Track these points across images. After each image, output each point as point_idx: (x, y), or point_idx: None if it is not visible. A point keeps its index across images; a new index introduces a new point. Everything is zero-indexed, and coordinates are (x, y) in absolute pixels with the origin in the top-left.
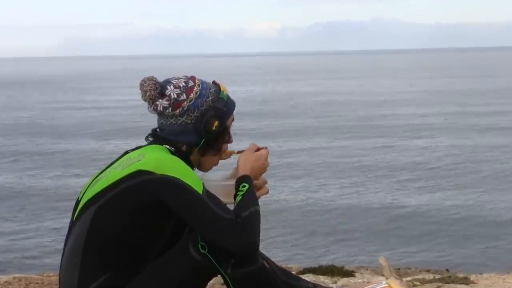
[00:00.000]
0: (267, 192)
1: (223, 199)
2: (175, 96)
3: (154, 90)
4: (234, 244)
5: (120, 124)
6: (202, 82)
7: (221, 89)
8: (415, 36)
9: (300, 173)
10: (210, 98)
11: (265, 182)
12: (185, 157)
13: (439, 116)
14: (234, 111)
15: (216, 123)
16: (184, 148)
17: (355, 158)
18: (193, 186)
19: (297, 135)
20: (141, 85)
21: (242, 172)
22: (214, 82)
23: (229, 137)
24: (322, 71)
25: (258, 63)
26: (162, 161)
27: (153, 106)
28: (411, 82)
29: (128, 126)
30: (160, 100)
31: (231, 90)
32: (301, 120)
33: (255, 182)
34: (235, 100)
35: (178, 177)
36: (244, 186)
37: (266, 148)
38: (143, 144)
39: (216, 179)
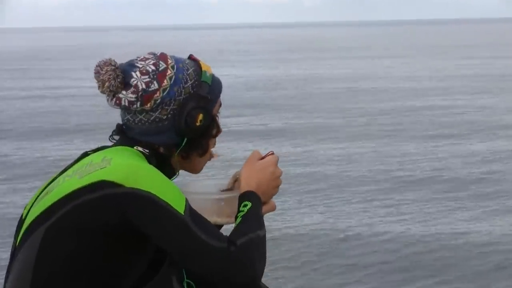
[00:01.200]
0: (273, 208)
1: (215, 218)
2: (144, 85)
3: (115, 79)
4: (227, 280)
5: (79, 118)
6: (176, 61)
7: (203, 68)
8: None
9: (318, 187)
10: (190, 82)
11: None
12: (163, 161)
13: (506, 110)
14: (221, 93)
15: (201, 116)
16: (161, 150)
17: (393, 166)
18: (172, 205)
19: (315, 135)
20: (97, 72)
21: (245, 187)
22: (191, 58)
23: (218, 129)
24: (349, 48)
25: (265, 37)
26: (133, 170)
27: (114, 100)
28: (466, 63)
29: (90, 122)
30: (124, 92)
31: (229, 73)
32: (321, 115)
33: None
34: (222, 81)
35: (153, 192)
36: (245, 206)
37: (273, 153)
38: (107, 144)
39: (207, 191)
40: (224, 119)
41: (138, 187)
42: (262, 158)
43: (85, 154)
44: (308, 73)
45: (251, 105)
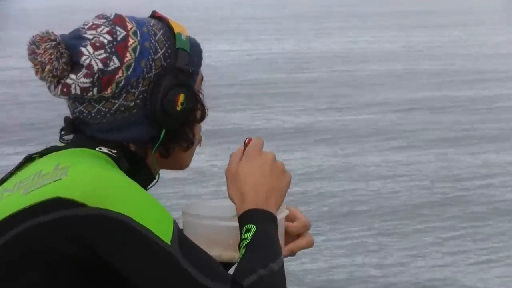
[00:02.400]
0: (310, 244)
1: (222, 252)
2: (100, 64)
3: (58, 60)
4: None
5: (14, 112)
6: (138, 24)
7: (175, 29)
8: None
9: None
10: (161, 52)
11: (302, 222)
12: (137, 163)
13: None
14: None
15: (182, 97)
16: (133, 148)
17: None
18: (154, 231)
19: (360, 137)
20: (32, 53)
21: (240, 204)
22: (156, 16)
23: (203, 110)
24: (406, 12)
25: None
26: (99, 183)
27: (60, 87)
28: None
29: (35, 118)
30: (73, 76)
31: (234, 48)
32: (369, 108)
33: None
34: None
35: (128, 214)
36: (247, 231)
37: (250, 139)
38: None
39: (217, 214)
40: (231, 113)
41: (107, 207)
42: (244, 149)
43: (30, 159)
44: (348, 48)
45: (269, 94)
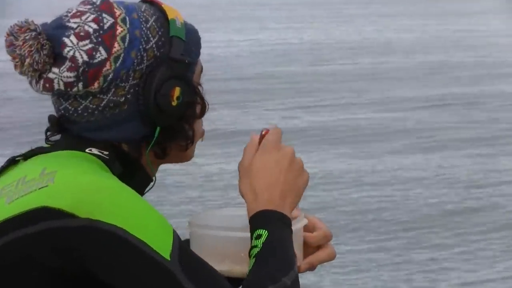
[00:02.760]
0: (332, 256)
1: (233, 266)
2: (85, 56)
3: (39, 52)
4: None
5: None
6: (128, 10)
7: (169, 15)
8: None
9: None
10: (153, 41)
11: (319, 227)
12: (131, 165)
13: None
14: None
15: (178, 90)
16: (126, 148)
17: None
18: (151, 244)
19: (380, 140)
20: (10, 45)
21: (253, 203)
22: (147, 1)
23: (204, 104)
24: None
25: None
26: (89, 190)
27: (42, 82)
28: None
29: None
30: (56, 70)
31: (243, 38)
32: (391, 108)
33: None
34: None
35: (121, 225)
36: (258, 237)
37: (267, 129)
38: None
39: (229, 224)
40: (240, 110)
41: (98, 218)
42: (262, 138)
43: (13, 161)
44: (371, 37)
45: (284, 89)
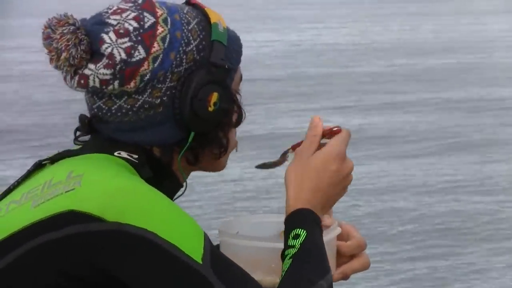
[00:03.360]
0: (366, 266)
1: (263, 277)
2: (123, 54)
3: (77, 47)
4: None
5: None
6: (170, 11)
7: (212, 18)
8: None
9: None
10: (194, 43)
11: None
12: (161, 171)
13: None
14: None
15: (215, 96)
16: (157, 153)
17: None
18: (182, 248)
19: (417, 144)
20: (47, 37)
21: (293, 201)
22: (191, 3)
23: (241, 114)
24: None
25: None
26: (118, 194)
27: (77, 78)
28: None
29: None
30: (92, 66)
31: (277, 38)
32: (427, 110)
33: (324, 221)
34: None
35: (151, 229)
36: (296, 237)
37: (339, 128)
38: (71, 147)
39: (260, 233)
40: (273, 114)
41: (127, 222)
42: (330, 135)
43: (39, 165)
44: (408, 38)
45: (318, 91)
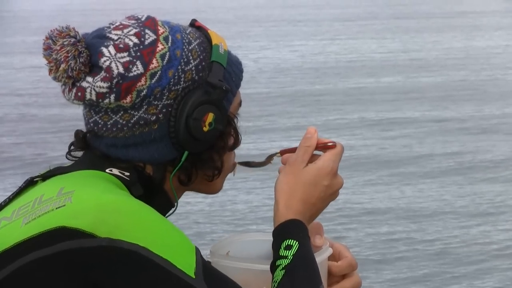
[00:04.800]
0: (357, 286)
1: None
2: (121, 68)
3: (76, 59)
4: None
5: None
6: (172, 30)
7: (213, 40)
8: None
9: None
10: (193, 63)
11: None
12: (153, 189)
13: None
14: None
15: (211, 116)
16: (149, 171)
17: None
18: (175, 263)
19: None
20: (47, 48)
21: (284, 210)
22: (195, 25)
23: (237, 138)
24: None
25: None
26: (109, 210)
27: (75, 91)
28: None
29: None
30: (90, 79)
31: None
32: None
33: (312, 234)
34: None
35: (143, 244)
36: (288, 247)
37: (334, 144)
38: (64, 163)
39: (256, 253)
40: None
41: (119, 237)
42: (323, 147)
43: (31, 182)
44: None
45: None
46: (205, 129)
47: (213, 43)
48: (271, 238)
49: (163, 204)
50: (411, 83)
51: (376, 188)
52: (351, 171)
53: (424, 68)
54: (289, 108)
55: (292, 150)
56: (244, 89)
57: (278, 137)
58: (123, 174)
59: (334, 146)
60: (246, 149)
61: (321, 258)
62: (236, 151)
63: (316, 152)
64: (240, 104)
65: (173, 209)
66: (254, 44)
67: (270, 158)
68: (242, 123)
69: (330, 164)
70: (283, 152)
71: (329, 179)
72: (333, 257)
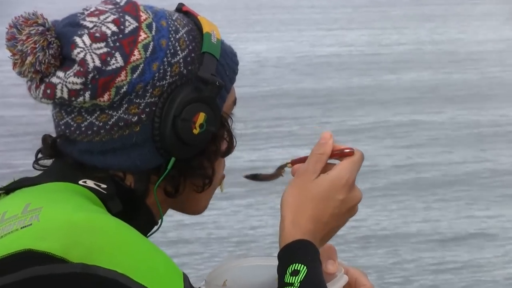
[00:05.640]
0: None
1: None
2: (97, 61)
3: (45, 50)
4: None
5: None
6: (156, 16)
7: (204, 28)
8: None
9: None
10: (181, 55)
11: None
12: (134, 204)
13: None
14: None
15: (202, 116)
16: (130, 181)
17: None
18: None
19: None
20: (11, 38)
21: (291, 228)
22: (182, 10)
23: (231, 142)
24: None
25: None
26: (81, 230)
27: (43, 87)
28: None
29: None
30: (61, 75)
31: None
32: None
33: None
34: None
35: (122, 271)
36: (295, 272)
37: (352, 151)
38: (30, 174)
39: (245, 278)
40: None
41: (95, 263)
42: (340, 155)
43: None
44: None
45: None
46: (195, 131)
47: (204, 31)
48: (275, 263)
49: (145, 221)
50: (440, 80)
51: (398, 205)
52: (369, 183)
53: (455, 63)
54: (297, 108)
55: (305, 160)
56: (243, 87)
57: (285, 144)
58: (99, 186)
59: (352, 153)
60: (248, 159)
61: (336, 286)
62: (236, 162)
63: (331, 160)
64: (235, 102)
65: (156, 227)
66: (255, 35)
67: (280, 169)
68: (240, 126)
69: (347, 174)
70: (294, 162)
71: (345, 192)
72: (348, 286)
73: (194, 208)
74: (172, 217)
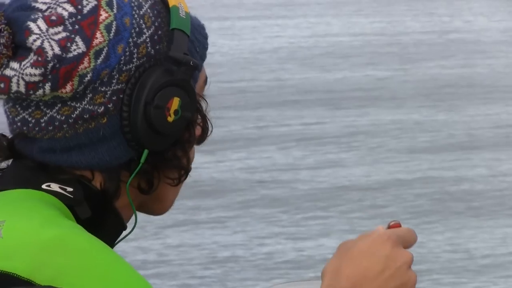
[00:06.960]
0: None
1: None
2: (57, 48)
3: None
4: None
5: None
6: None
7: (171, 1)
8: None
9: None
10: (147, 33)
11: None
12: (103, 207)
13: None
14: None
15: (177, 101)
16: (99, 182)
17: None
18: None
19: None
20: None
21: (334, 282)
22: None
23: (205, 127)
24: None
25: None
26: (49, 249)
27: None
28: None
29: None
30: (16, 66)
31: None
32: None
33: None
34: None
35: None
36: None
37: (398, 223)
38: None
39: None
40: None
41: (62, 285)
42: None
43: None
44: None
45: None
46: (170, 119)
47: (171, 5)
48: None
49: (114, 226)
50: (463, 73)
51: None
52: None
53: (480, 53)
54: (300, 106)
55: None
56: (238, 81)
57: (285, 145)
58: (65, 190)
59: (398, 225)
60: (250, 166)
61: None
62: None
63: None
64: (206, 81)
65: (126, 234)
66: (250, 22)
67: None
68: (239, 126)
69: (387, 232)
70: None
71: (389, 247)
72: None
73: (161, 205)
74: None
